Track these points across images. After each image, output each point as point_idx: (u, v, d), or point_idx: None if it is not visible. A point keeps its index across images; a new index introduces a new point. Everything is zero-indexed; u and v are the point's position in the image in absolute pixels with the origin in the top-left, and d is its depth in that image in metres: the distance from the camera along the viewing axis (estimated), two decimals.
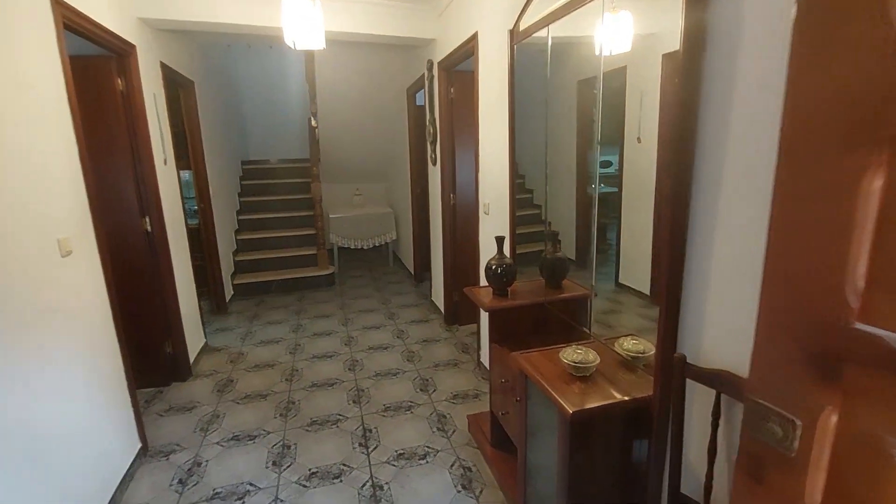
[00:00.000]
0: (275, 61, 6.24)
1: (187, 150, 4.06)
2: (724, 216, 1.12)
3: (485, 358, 3.08)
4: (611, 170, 2.14)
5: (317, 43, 2.33)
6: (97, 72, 2.59)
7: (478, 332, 3.19)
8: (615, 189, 2.05)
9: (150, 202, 2.84)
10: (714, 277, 1.18)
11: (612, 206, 2.16)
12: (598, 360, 1.53)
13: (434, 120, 3.71)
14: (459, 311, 3.90)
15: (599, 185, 2.21)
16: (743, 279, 1.10)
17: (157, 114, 3.02)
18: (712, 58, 1.11)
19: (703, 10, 1.11)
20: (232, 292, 4.77)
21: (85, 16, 2.13)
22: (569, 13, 1.68)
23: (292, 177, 6.07)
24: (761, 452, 0.63)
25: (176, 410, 2.75)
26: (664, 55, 1.52)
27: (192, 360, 3.25)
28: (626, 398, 1.41)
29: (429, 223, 4.41)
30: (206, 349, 3.57)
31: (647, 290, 1.80)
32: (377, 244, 5.78)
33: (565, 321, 2.07)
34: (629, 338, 1.67)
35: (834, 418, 0.55)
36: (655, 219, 1.68)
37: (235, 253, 5.10)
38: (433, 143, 3.77)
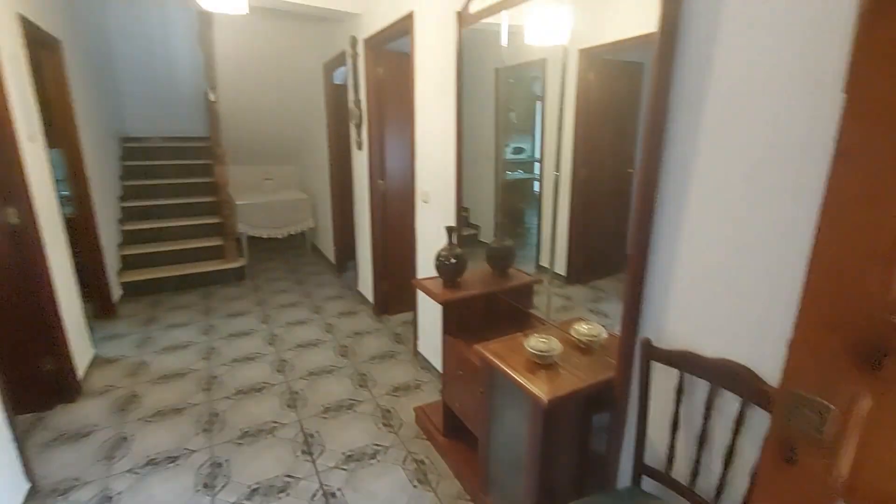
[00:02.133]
0: (156, 17, 5.38)
1: (55, 125, 3.37)
2: (693, 207, 1.19)
3: (423, 347, 3.05)
4: (523, 156, 2.25)
5: (239, 7, 2.05)
6: None
7: (414, 321, 3.13)
8: (531, 175, 2.17)
9: (14, 188, 2.31)
10: (680, 264, 1.25)
11: (526, 192, 2.29)
12: (561, 349, 1.58)
13: (359, 101, 3.51)
14: (389, 301, 3.80)
15: (516, 171, 2.33)
16: (709, 262, 1.18)
17: (19, 79, 2.44)
18: (686, 47, 1.15)
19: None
20: (121, 292, 4.13)
21: None
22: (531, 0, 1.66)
23: (186, 158, 5.38)
24: (794, 436, 0.67)
25: (67, 438, 2.31)
26: (580, 50, 1.66)
27: (80, 375, 2.76)
28: (593, 381, 1.48)
29: (352, 210, 4.21)
30: (96, 362, 3.05)
31: (563, 272, 1.96)
32: (292, 233, 5.40)
33: (514, 308, 2.11)
34: (582, 322, 1.74)
35: (868, 404, 0.60)
36: (572, 205, 1.83)
37: (121, 246, 4.42)
38: (358, 126, 3.57)
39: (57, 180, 3.93)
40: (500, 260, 2.12)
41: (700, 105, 1.13)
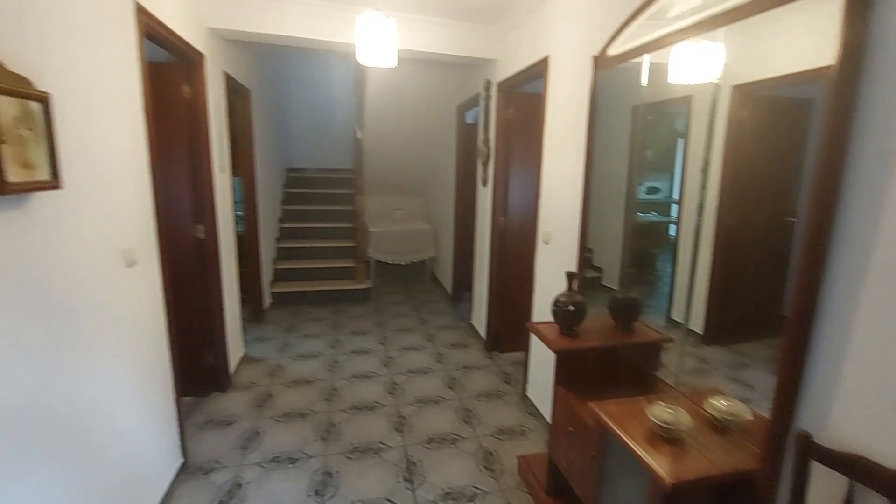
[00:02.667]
0: (325, 69, 6.33)
1: (239, 157, 4.10)
2: (882, 268, 0.97)
3: (532, 392, 2.93)
4: (658, 196, 2.05)
5: (388, 60, 2.29)
6: (166, 78, 2.61)
7: (525, 363, 3.04)
8: (666, 218, 1.98)
9: (204, 209, 2.83)
10: (858, 338, 1.02)
11: (660, 236, 2.08)
12: (691, 423, 1.39)
13: (488, 140, 3.63)
14: (501, 338, 3.76)
15: (648, 212, 2.13)
16: None
17: (218, 123, 3.03)
18: (874, 80, 0.97)
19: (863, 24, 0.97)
20: (270, 301, 4.76)
21: (163, 24, 2.14)
22: (679, 41, 1.57)
23: (334, 187, 6.09)
24: None
25: (216, 424, 2.69)
26: (734, 86, 1.50)
27: (232, 370, 3.21)
28: (728, 470, 1.26)
29: (471, 243, 4.31)
30: (245, 360, 3.53)
31: (699, 329, 1.73)
32: (415, 260, 5.71)
33: (636, 366, 1.92)
34: (718, 397, 1.51)
35: None
36: (715, 254, 1.62)
37: (275, 261, 5.11)
38: (485, 163, 3.68)
39: (235, 202, 4.70)
40: (625, 312, 1.97)
41: (892, 148, 0.94)
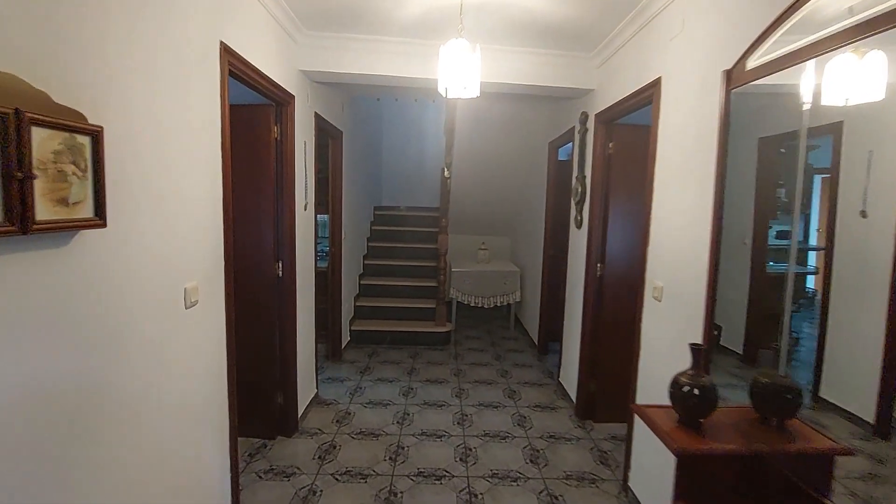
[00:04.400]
0: (416, 112, 6.48)
1: (327, 195, 4.16)
2: None
3: (637, 483, 2.37)
4: (788, 241, 1.60)
5: (471, 91, 2.08)
6: (256, 119, 2.66)
7: (627, 442, 2.49)
8: (804, 270, 1.58)
9: (284, 247, 2.80)
10: None
11: (795, 290, 1.60)
12: None
13: (583, 178, 3.25)
14: (596, 405, 3.22)
15: (781, 261, 1.67)
16: None
17: (305, 161, 3.04)
18: None
19: None
20: (348, 338, 4.69)
21: (250, 64, 2.15)
22: (854, 42, 1.14)
23: (419, 225, 6.04)
24: None
25: (275, 474, 2.52)
26: None
27: (300, 412, 3.07)
28: None
29: (561, 290, 3.87)
30: (316, 401, 3.40)
31: (869, 417, 1.26)
32: (498, 304, 5.35)
33: (795, 486, 1.37)
34: None
35: None
36: (891, 316, 1.19)
37: (357, 297, 5.08)
38: (580, 203, 3.29)
39: (322, 237, 4.76)
40: (776, 405, 1.44)
41: None
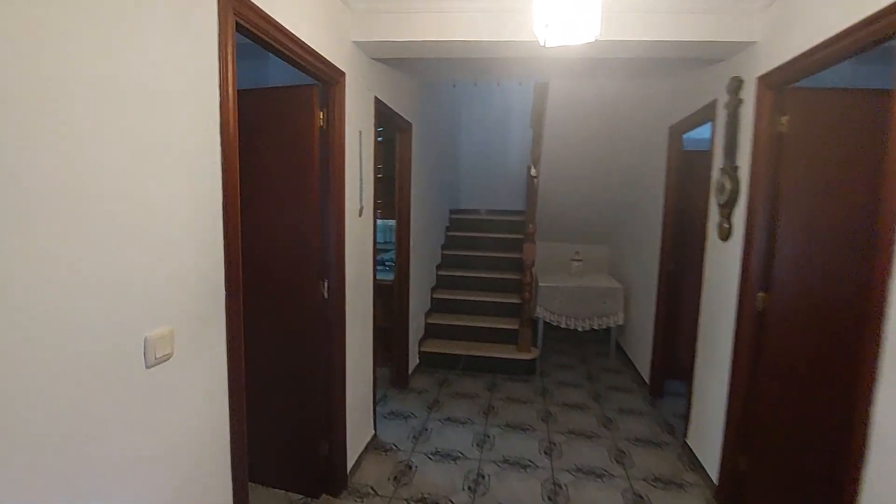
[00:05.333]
0: (499, 100, 5.79)
1: (394, 198, 3.61)
2: None
3: None
4: None
5: (586, 32, 1.33)
6: (295, 103, 2.13)
7: None
8: None
9: (331, 262, 2.24)
10: None
11: None
12: None
13: (734, 170, 2.31)
14: (747, 490, 2.26)
15: None
16: None
17: (361, 155, 2.48)
18: None
19: None
20: (417, 361, 4.10)
21: (277, 24, 1.59)
22: None
23: (501, 231, 5.31)
24: None
25: None
26: None
27: (351, 464, 2.51)
28: None
29: (685, 317, 2.92)
30: (373, 445, 2.83)
31: None
32: (595, 327, 4.45)
33: None
34: None
35: None
36: None
37: (428, 313, 4.48)
38: (727, 205, 2.36)
39: (387, 242, 4.20)
40: None
41: None
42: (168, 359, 1.17)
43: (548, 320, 4.47)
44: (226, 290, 1.38)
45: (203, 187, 1.28)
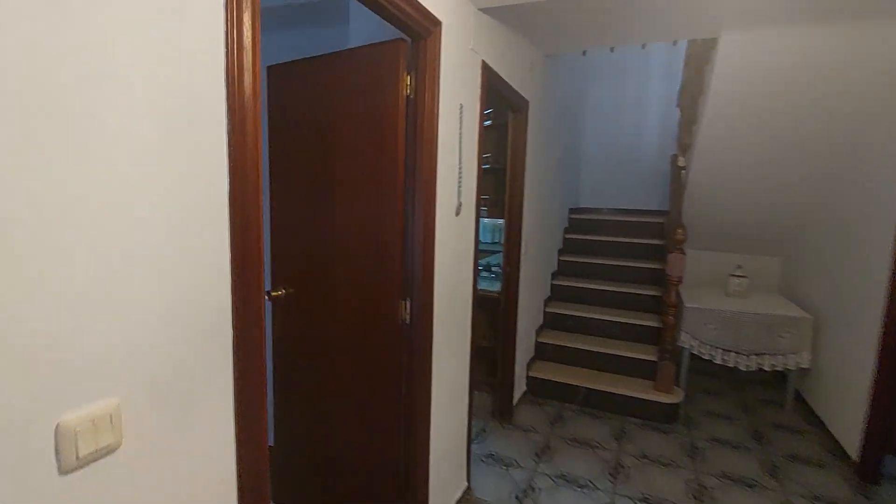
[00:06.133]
0: (634, 79, 4.86)
1: (504, 194, 2.99)
2: None
3: None
4: None
5: None
6: (375, 66, 1.63)
7: None
8: None
9: (415, 276, 1.71)
10: None
11: None
12: None
13: None
14: None
15: None
16: None
17: (461, 136, 1.91)
18: None
19: None
20: (524, 388, 3.44)
21: None
22: None
23: (631, 235, 4.38)
24: None
25: None
26: None
27: None
28: None
29: None
30: (465, 500, 2.26)
31: None
32: (764, 367, 3.34)
33: None
34: None
35: None
36: None
37: (539, 330, 3.78)
38: None
39: (491, 244, 3.59)
40: None
41: None
42: (109, 453, 0.71)
43: (696, 352, 3.47)
44: (234, 328, 0.90)
45: (190, 175, 0.80)
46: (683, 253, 3.13)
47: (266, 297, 1.97)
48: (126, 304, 0.71)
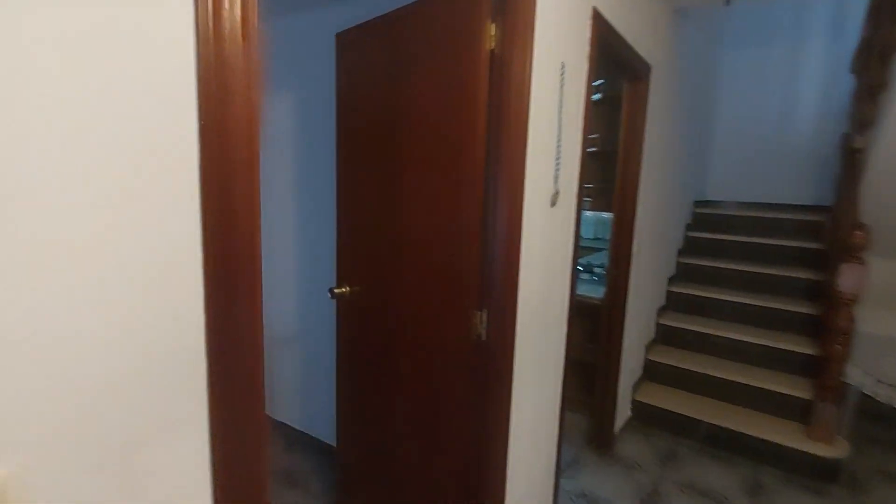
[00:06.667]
0: (784, 42, 3.95)
1: (616, 183, 2.48)
2: None
3: None
4: None
5: None
6: (450, 15, 1.28)
7: None
8: None
9: (494, 281, 1.35)
10: None
11: None
12: None
13: None
14: None
15: None
16: None
17: (561, 106, 1.49)
18: None
19: None
20: (629, 413, 2.91)
21: None
22: None
23: (777, 235, 3.53)
24: None
25: None
26: None
27: None
28: None
29: None
30: None
31: None
32: None
33: None
34: None
35: None
36: None
37: (650, 345, 3.19)
38: None
39: (594, 240, 3.11)
40: None
41: None
42: None
43: (868, 392, 2.64)
44: (208, 364, 0.62)
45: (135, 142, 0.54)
46: (863, 262, 2.35)
47: (329, 295, 1.77)
48: (38, 333, 0.47)
